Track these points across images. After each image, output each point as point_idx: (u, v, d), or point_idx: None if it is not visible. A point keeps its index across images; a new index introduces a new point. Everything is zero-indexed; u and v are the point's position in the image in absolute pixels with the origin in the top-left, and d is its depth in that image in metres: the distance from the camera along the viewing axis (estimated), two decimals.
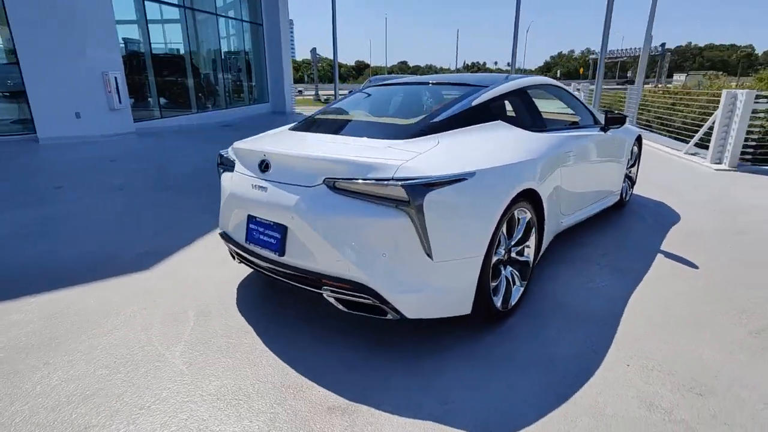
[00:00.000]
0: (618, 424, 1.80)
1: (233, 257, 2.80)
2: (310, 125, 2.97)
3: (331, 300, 2.21)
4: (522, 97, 3.09)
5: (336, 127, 2.97)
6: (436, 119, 2.55)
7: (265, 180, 2.31)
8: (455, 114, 2.60)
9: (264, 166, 2.33)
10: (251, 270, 3.21)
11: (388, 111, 3.20)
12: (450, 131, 2.48)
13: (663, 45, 71.27)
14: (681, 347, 2.32)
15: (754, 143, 6.95)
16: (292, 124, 3.10)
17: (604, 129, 3.77)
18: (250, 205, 2.38)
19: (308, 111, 18.24)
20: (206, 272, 3.22)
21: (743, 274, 3.19)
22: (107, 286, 3.00)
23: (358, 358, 2.23)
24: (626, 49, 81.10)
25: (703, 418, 1.83)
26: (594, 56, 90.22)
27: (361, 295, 2.08)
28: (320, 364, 2.18)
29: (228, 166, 2.68)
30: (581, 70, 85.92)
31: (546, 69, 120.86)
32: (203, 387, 2.02)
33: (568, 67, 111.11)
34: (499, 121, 2.75)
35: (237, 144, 2.66)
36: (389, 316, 2.12)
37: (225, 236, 2.72)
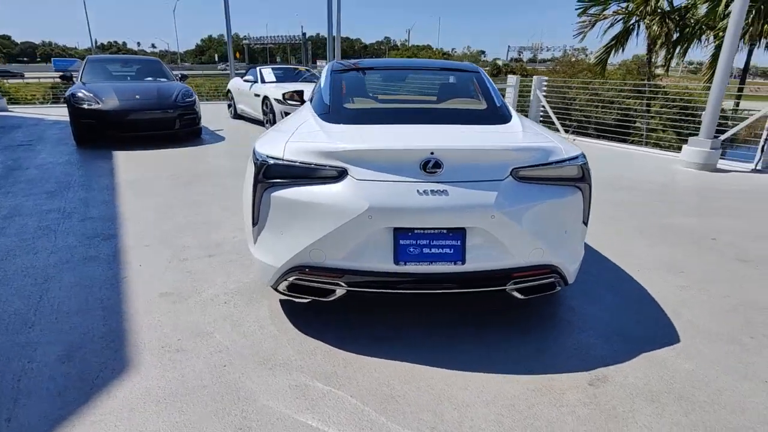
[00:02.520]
0: (713, 304, 2.68)
1: (323, 295, 2.17)
2: (373, 117, 2.56)
3: (514, 293, 2.17)
4: None
5: (417, 115, 2.62)
6: (499, 104, 2.69)
7: (439, 182, 1.95)
8: (498, 98, 2.80)
9: (432, 166, 1.94)
10: (291, 308, 2.49)
11: (437, 96, 3.05)
12: (509, 114, 2.67)
13: (304, 34, 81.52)
14: (659, 255, 3.45)
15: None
16: (322, 116, 2.48)
17: None
18: (405, 217, 1.95)
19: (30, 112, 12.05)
20: (240, 337, 2.27)
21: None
22: (122, 407, 1.73)
23: (527, 340, 2.29)
24: (274, 36, 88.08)
25: (715, 281, 2.94)
26: (246, 41, 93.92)
27: (550, 275, 2.17)
28: (517, 359, 2.14)
29: (314, 177, 2.03)
30: (237, 54, 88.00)
31: (200, 52, 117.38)
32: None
33: (221, 51, 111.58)
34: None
35: (337, 145, 2.03)
36: (557, 289, 2.28)
37: (315, 271, 2.08)
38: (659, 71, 13.39)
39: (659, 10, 9.43)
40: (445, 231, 1.99)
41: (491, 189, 1.98)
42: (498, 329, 2.37)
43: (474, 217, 1.97)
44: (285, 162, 2.06)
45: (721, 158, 6.55)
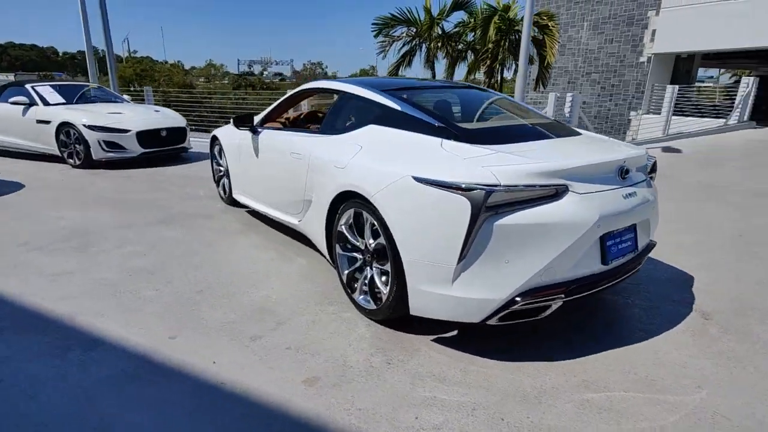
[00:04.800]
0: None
1: (537, 314, 2.18)
2: (506, 134, 2.63)
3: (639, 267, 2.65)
4: None
5: (536, 131, 2.72)
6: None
7: (630, 185, 2.25)
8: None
9: (625, 173, 2.21)
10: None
11: (484, 112, 3.10)
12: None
13: None
14: None
15: None
16: (452, 138, 2.36)
17: None
18: (617, 220, 2.19)
19: None
20: (464, 388, 2.01)
21: None
22: None
23: (644, 309, 2.84)
24: None
25: None
26: None
27: (652, 247, 2.74)
28: (654, 323, 2.65)
29: (536, 198, 2.04)
30: None
31: None
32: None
33: None
34: None
35: (560, 163, 2.13)
36: None
37: (544, 290, 2.10)
38: None
39: (436, 35, 11.67)
40: (628, 226, 2.32)
41: (649, 185, 2.43)
42: (610, 312, 2.80)
43: (648, 211, 2.37)
44: (508, 187, 1.98)
45: None
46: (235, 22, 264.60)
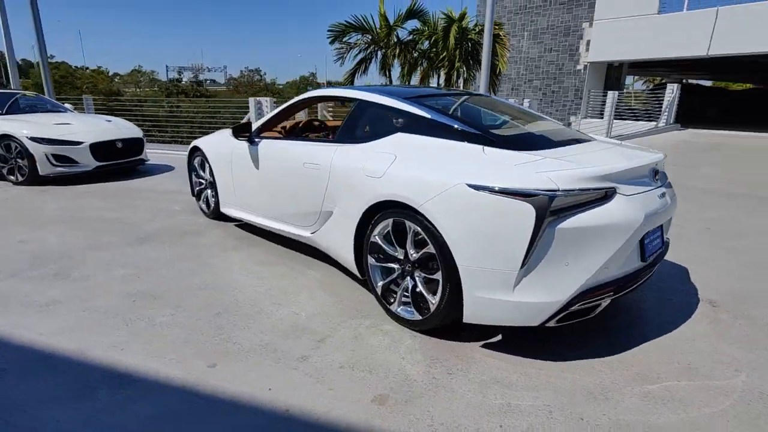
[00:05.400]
0: None
1: (588, 313, 2.25)
2: (524, 141, 2.67)
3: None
4: None
5: (561, 138, 2.75)
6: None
7: (661, 187, 2.37)
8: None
9: (656, 175, 2.34)
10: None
11: (519, 121, 3.15)
12: None
13: None
14: None
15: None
16: (491, 144, 2.38)
17: None
18: (654, 219, 2.30)
19: None
20: (533, 392, 2.02)
21: None
22: None
23: (652, 311, 3.02)
24: None
25: None
26: None
27: None
28: (665, 314, 2.83)
29: (589, 201, 2.11)
30: None
31: None
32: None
33: None
34: None
35: (611, 167, 2.21)
36: None
37: (598, 289, 2.17)
38: None
39: (392, 42, 11.83)
40: (659, 226, 2.45)
41: (670, 186, 2.59)
42: (631, 306, 2.96)
43: (672, 209, 2.53)
44: (566, 191, 2.04)
45: None
46: (161, 28, 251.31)
